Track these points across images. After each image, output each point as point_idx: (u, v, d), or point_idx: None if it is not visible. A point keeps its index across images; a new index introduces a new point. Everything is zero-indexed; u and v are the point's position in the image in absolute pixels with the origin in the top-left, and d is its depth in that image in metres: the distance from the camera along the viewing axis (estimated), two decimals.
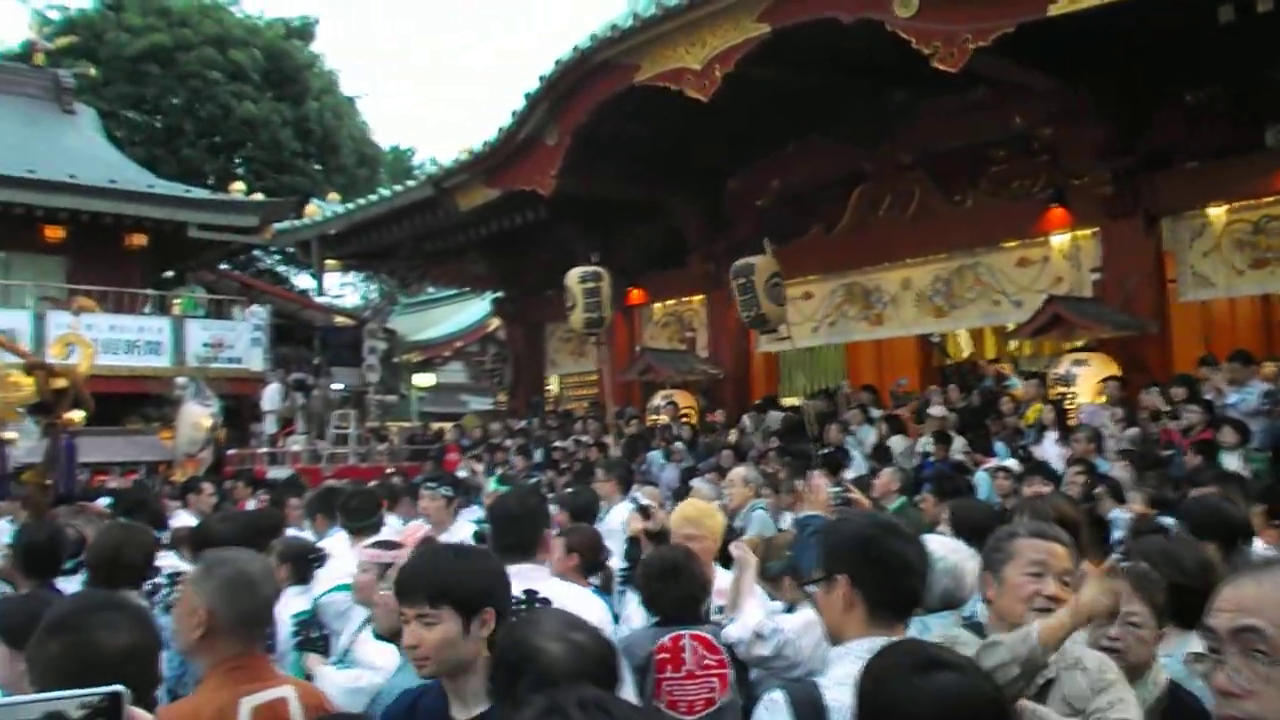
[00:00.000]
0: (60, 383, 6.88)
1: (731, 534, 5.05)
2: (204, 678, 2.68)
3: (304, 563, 4.79)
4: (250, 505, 8.43)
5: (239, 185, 22.51)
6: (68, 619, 2.31)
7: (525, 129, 13.56)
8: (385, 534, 5.47)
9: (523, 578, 3.59)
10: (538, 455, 14.89)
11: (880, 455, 10.36)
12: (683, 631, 3.73)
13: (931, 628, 3.07)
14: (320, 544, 5.68)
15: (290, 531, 6.38)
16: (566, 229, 16.51)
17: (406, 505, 7.80)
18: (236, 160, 31.96)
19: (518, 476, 8.84)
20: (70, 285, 20.41)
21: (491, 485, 6.72)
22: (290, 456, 17.70)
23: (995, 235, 13.01)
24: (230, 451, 18.63)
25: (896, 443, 10.91)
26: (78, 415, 6.83)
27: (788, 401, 14.73)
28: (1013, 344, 15.18)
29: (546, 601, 3.53)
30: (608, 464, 8.31)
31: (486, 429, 18.76)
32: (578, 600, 3.61)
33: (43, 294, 19.89)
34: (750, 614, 3.69)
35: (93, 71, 27.46)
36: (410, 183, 17.77)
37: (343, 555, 5.48)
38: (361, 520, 5.58)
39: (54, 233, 20.36)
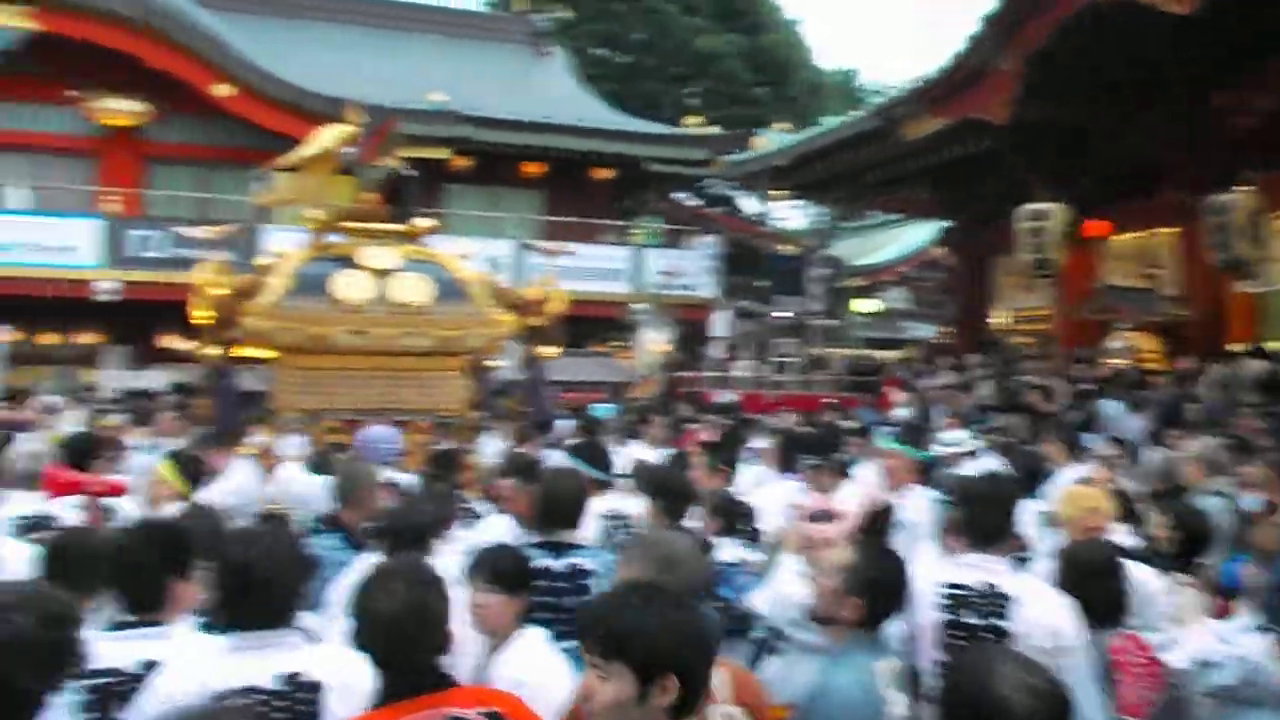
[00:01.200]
0: (536, 320, 7.59)
1: (1193, 518, 4.63)
2: None
3: (734, 516, 4.98)
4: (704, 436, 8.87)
5: (692, 118, 23.44)
6: (364, 583, 2.56)
7: (978, 55, 12.98)
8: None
9: (982, 569, 3.42)
10: (983, 393, 14.44)
11: None
12: (1121, 630, 3.51)
13: None
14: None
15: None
16: (1018, 158, 15.69)
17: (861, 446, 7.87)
18: (691, 92, 33.22)
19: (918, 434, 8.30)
20: (546, 217, 22.40)
21: (885, 443, 6.42)
22: (735, 382, 18.45)
23: None
24: (680, 374, 19.74)
25: None
26: (551, 351, 7.53)
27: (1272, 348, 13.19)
28: None
29: (1006, 598, 3.35)
30: (1054, 425, 7.88)
31: (927, 362, 18.44)
32: (1046, 599, 3.38)
33: (523, 226, 21.90)
34: (1194, 639, 3.38)
35: (565, 14, 29.54)
36: (855, 112, 17.66)
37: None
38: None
39: (533, 169, 22.34)
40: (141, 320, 19.23)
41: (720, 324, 19.74)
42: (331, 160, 7.98)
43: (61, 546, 3.40)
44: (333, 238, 7.85)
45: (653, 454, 8.27)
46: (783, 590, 4.01)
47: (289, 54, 20.95)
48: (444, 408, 7.58)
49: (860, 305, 31.35)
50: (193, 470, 5.48)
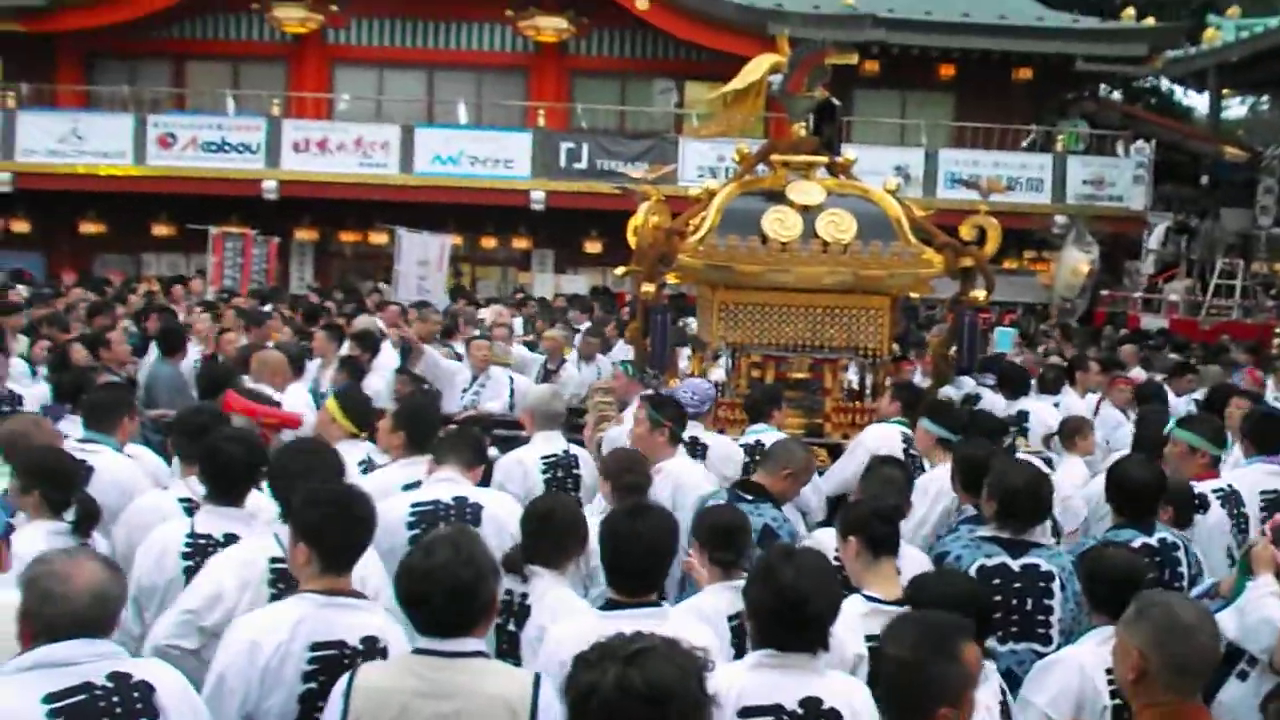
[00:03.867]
0: (967, 262, 7.28)
1: None
2: (1136, 716, 2.72)
3: (1189, 508, 4.50)
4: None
5: (1129, 11, 21.30)
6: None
7: None
8: None
9: None
10: None
11: None
12: None
13: None
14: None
15: None
16: None
17: None
18: None
19: None
20: (957, 123, 21.36)
21: None
22: (1167, 306, 16.95)
23: None
24: (1103, 293, 18.41)
25: None
26: (981, 294, 7.22)
27: None
28: None
29: None
30: None
31: None
32: None
33: (934, 132, 21.01)
34: None
35: None
36: None
37: None
38: None
39: (946, 71, 21.28)
40: (567, 225, 20.56)
41: (1151, 239, 18.09)
42: (759, 92, 7.97)
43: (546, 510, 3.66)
44: (759, 170, 7.88)
45: (1084, 404, 7.76)
46: (1256, 612, 3.62)
47: None
48: (864, 345, 7.47)
49: None
50: (361, 410, 5.42)
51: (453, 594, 2.63)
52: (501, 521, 4.11)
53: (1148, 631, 2.64)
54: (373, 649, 2.96)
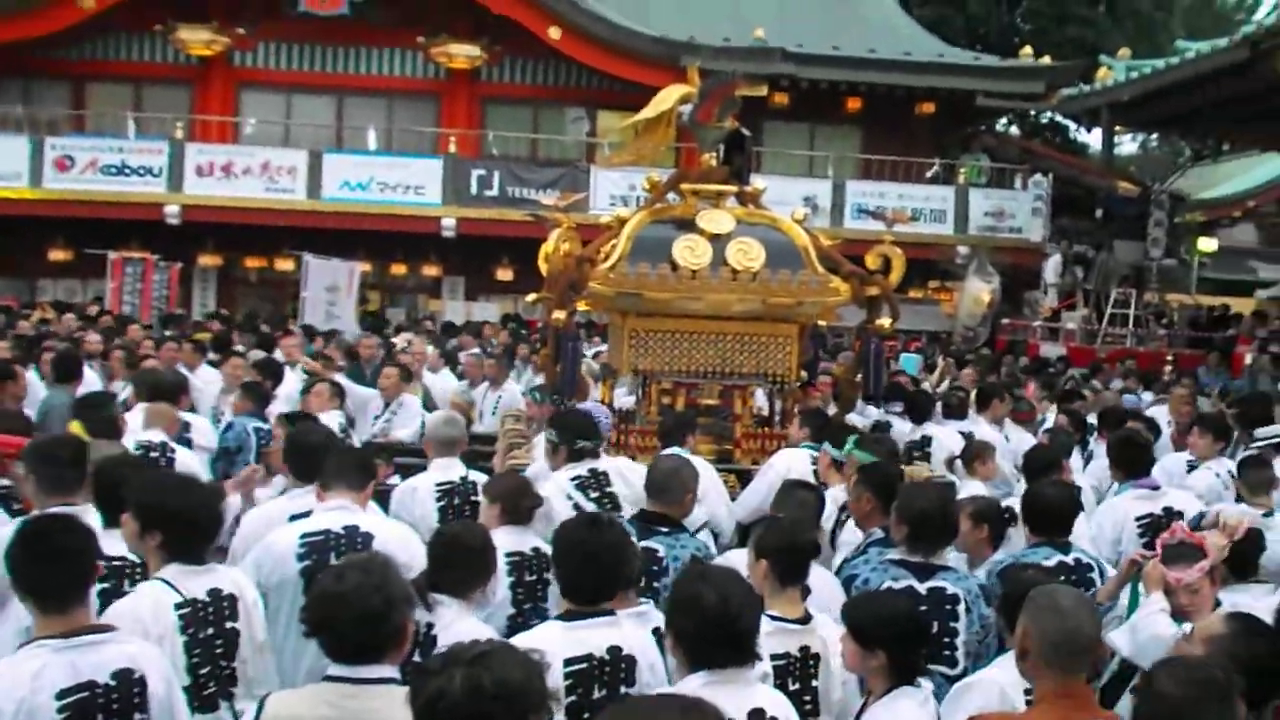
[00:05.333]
0: (873, 291, 7.41)
1: None
2: (1035, 702, 2.86)
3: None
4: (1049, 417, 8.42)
5: (1027, 50, 22.03)
6: None
7: None
8: None
9: None
10: None
11: None
12: None
13: None
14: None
15: None
16: None
17: None
18: (1018, 14, 31.19)
19: None
20: (864, 155, 21.83)
21: None
22: (1065, 334, 17.47)
23: None
24: (1004, 321, 18.90)
25: None
26: (886, 322, 7.35)
27: None
28: None
29: None
30: None
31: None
32: None
33: (841, 164, 21.42)
34: None
35: None
36: (1220, 41, 16.03)
37: None
38: None
39: (852, 104, 21.74)
40: (478, 253, 20.48)
41: (1052, 270, 18.63)
42: (670, 122, 8.05)
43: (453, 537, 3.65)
44: (669, 198, 7.94)
45: (997, 435, 7.86)
46: (1148, 629, 3.73)
47: None
48: (773, 372, 7.56)
49: (1203, 244, 28.66)
50: (108, 425, 5.27)
51: (361, 619, 2.60)
52: (392, 550, 4.01)
53: (1030, 610, 2.82)
54: (129, 681, 2.84)
